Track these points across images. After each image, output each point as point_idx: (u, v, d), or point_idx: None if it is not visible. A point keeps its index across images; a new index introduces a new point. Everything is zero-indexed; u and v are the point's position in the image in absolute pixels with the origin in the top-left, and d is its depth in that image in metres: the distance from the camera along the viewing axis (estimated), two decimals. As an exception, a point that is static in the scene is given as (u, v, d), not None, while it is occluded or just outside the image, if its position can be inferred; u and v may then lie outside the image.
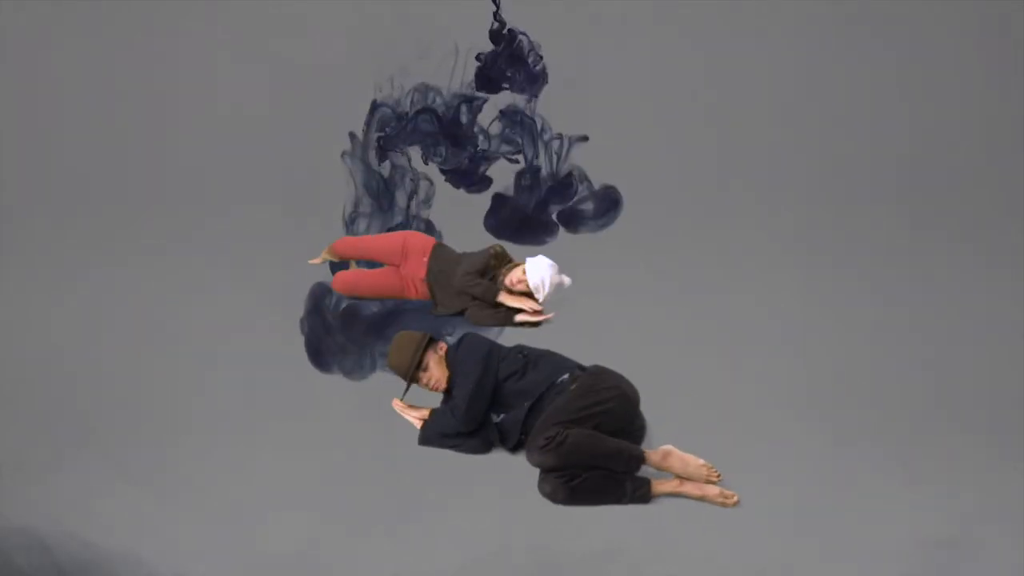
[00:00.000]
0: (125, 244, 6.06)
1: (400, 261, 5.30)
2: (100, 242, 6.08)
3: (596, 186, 5.75)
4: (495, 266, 5.15)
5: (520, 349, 4.66)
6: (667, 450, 4.36)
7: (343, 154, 5.78)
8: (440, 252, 5.28)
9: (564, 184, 5.75)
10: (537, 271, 5.03)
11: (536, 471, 4.30)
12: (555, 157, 5.74)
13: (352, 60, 6.00)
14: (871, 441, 4.69)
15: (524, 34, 5.72)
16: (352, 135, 5.78)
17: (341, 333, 5.36)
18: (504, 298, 5.06)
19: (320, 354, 5.31)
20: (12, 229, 6.18)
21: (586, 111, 5.91)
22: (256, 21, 6.23)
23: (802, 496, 4.34)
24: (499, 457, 4.58)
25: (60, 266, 5.98)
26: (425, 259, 5.25)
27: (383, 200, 5.75)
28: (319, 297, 5.46)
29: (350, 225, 5.73)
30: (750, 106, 6.21)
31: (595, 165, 5.78)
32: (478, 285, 5.07)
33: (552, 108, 5.78)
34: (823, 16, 6.15)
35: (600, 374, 4.53)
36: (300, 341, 5.37)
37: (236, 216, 6.05)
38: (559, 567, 4.08)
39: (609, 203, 5.75)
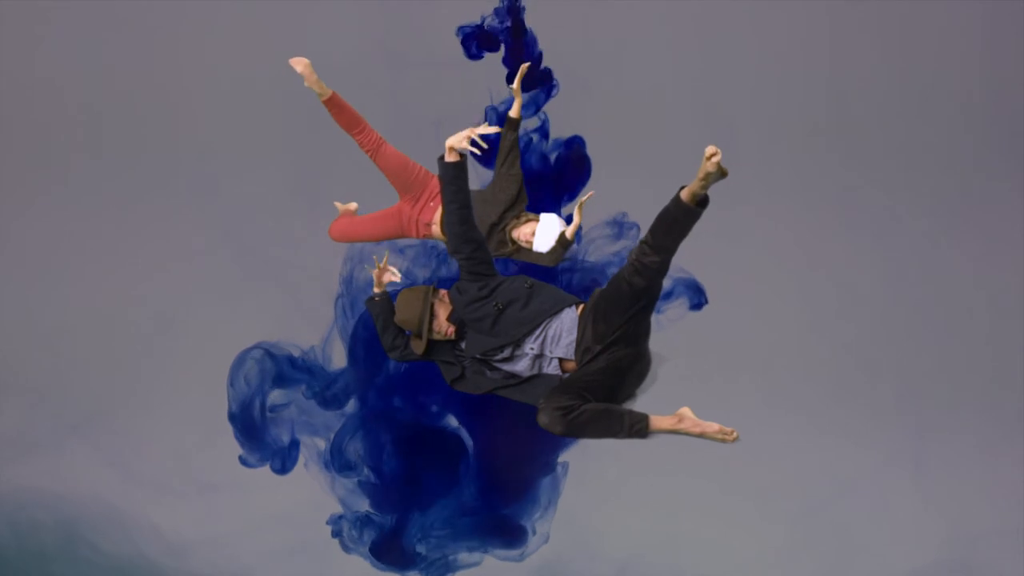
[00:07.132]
0: (115, 227, 5.87)
1: (409, 187, 5.05)
2: (88, 224, 5.87)
3: None
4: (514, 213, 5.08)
5: (524, 279, 4.56)
6: (682, 414, 4.25)
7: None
8: None
9: None
10: (544, 241, 4.96)
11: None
12: None
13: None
14: (877, 454, 4.68)
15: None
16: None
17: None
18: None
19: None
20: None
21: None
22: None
23: (810, 510, 4.32)
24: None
25: (51, 249, 5.79)
26: (434, 203, 5.05)
27: None
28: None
29: None
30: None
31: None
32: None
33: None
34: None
35: None
36: (295, 326, 5.15)
37: (234, 199, 5.87)
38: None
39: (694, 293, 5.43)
